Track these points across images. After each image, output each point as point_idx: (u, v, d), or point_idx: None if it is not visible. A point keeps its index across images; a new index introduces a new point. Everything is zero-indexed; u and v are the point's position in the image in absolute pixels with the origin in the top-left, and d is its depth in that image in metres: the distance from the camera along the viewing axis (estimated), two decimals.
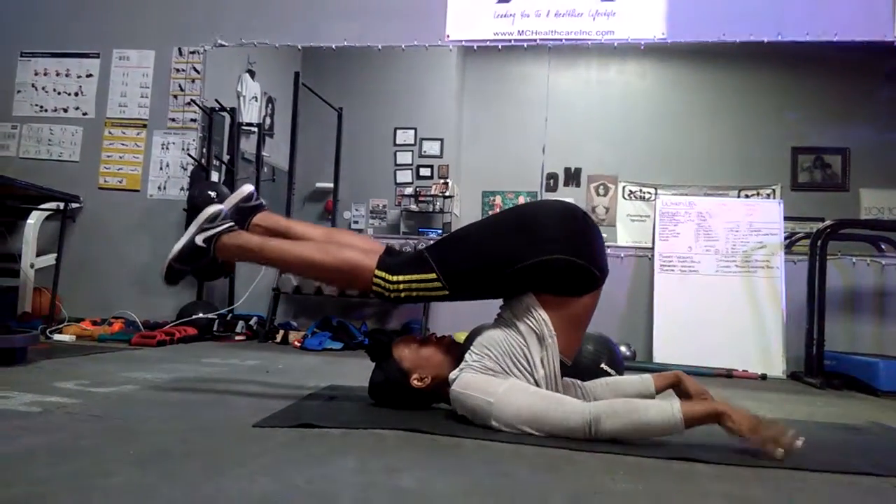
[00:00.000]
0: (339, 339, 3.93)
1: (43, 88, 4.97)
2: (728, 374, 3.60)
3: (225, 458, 1.34)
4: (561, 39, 4.41)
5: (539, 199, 5.45)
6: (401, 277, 1.84)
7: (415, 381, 1.84)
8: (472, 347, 1.79)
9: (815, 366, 3.49)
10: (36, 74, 4.99)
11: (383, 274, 1.85)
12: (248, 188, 2.18)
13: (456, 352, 1.86)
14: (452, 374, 1.77)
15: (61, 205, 4.37)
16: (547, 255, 1.74)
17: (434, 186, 5.96)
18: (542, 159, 5.02)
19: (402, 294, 1.84)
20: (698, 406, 1.58)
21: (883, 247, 4.14)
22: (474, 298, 1.90)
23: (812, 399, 2.92)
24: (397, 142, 6.19)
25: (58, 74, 4.96)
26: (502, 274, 1.77)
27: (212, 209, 2.03)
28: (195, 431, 1.58)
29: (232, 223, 2.05)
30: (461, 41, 4.53)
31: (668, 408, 1.54)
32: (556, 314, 1.75)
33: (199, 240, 2.00)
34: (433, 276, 1.82)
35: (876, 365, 3.17)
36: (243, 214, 2.13)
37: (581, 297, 1.78)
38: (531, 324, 1.75)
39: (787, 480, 1.39)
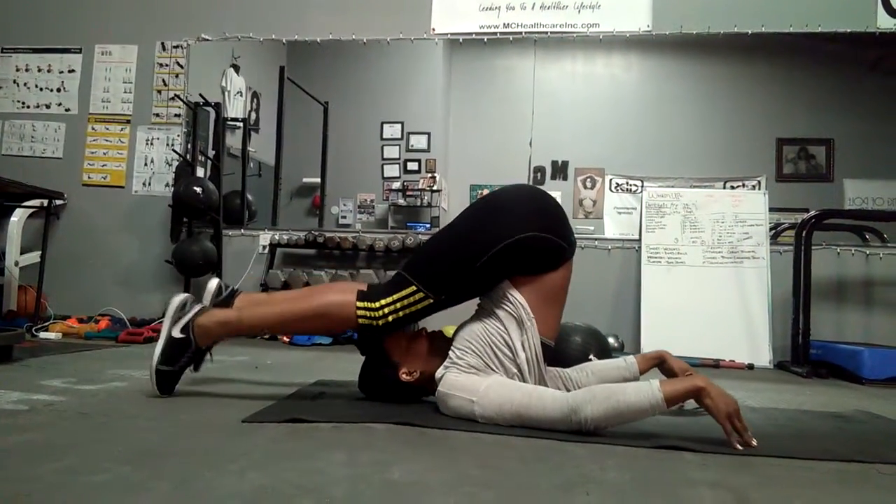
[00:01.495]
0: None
1: (25, 84, 4.92)
2: (715, 364, 3.63)
3: (214, 454, 1.34)
4: (546, 32, 4.42)
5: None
6: (382, 301, 1.82)
7: (404, 375, 1.84)
8: (454, 344, 1.80)
9: (801, 355, 3.53)
10: (17, 70, 4.93)
11: (365, 303, 1.83)
12: (213, 283, 2.10)
13: (445, 346, 1.85)
14: (438, 373, 1.78)
15: (45, 202, 4.32)
16: (517, 235, 1.76)
17: (422, 180, 5.96)
18: (529, 153, 5.03)
19: (390, 318, 1.82)
20: (678, 383, 1.59)
21: (867, 236, 4.18)
22: (461, 300, 1.89)
23: (798, 388, 2.95)
24: (384, 136, 6.17)
25: (39, 70, 4.91)
26: (479, 264, 1.77)
27: (177, 299, 1.96)
28: (184, 428, 1.58)
29: (203, 304, 2.00)
30: (447, 34, 4.52)
31: (648, 388, 1.54)
32: (532, 294, 1.77)
33: (175, 332, 1.93)
34: (413, 288, 1.81)
35: (861, 354, 3.20)
36: (222, 307, 2.06)
37: (553, 271, 1.80)
38: (509, 308, 1.77)
39: (774, 468, 1.40)
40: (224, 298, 2.07)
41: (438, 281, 1.83)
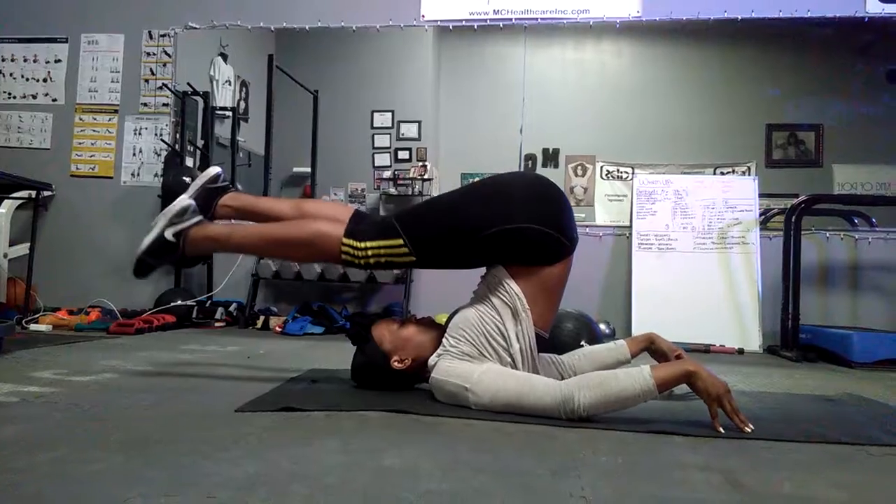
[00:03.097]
0: (320, 323, 3.92)
1: (10, 75, 4.86)
2: (706, 349, 3.65)
3: (208, 443, 1.33)
4: (536, 19, 4.40)
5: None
6: (368, 244, 1.85)
7: (395, 363, 1.85)
8: (448, 331, 1.80)
9: (790, 339, 3.55)
10: (3, 60, 4.87)
11: (351, 241, 1.86)
12: (214, 170, 2.16)
13: (436, 333, 1.86)
14: (431, 360, 1.79)
15: (33, 193, 4.29)
16: (515, 224, 1.76)
17: (412, 169, 5.94)
18: (519, 140, 5.01)
19: (371, 260, 1.86)
20: (670, 368, 1.61)
21: (856, 221, 4.21)
22: (442, 266, 1.93)
23: (788, 372, 2.97)
24: (374, 125, 6.15)
25: (25, 60, 4.85)
26: (469, 241, 1.79)
27: (180, 204, 2.03)
28: (176, 418, 1.57)
29: (201, 217, 2.05)
30: (436, 21, 4.50)
31: (639, 374, 1.55)
32: (528, 285, 1.77)
33: (168, 234, 2.00)
34: (400, 241, 1.83)
35: (850, 337, 3.23)
36: (211, 196, 2.10)
37: (552, 266, 1.80)
38: (504, 298, 1.76)
39: (763, 451, 1.42)
40: (215, 188, 2.12)
41: (427, 244, 1.84)
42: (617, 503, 1.07)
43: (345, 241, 1.86)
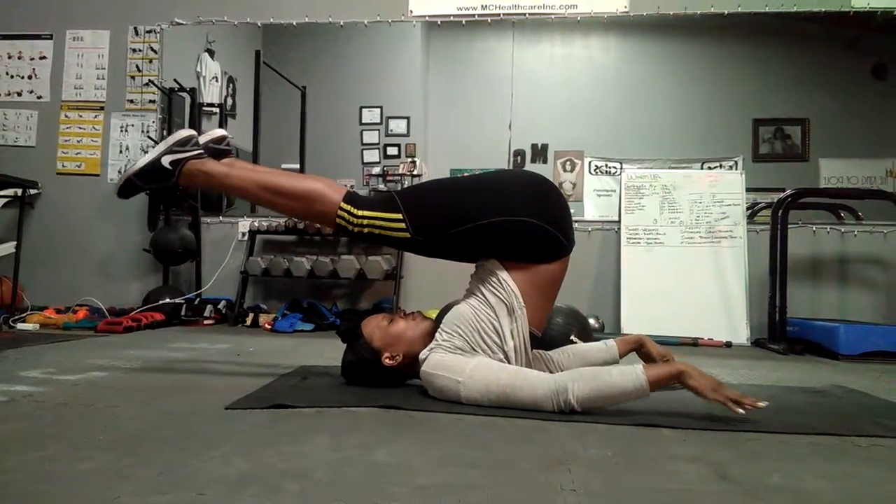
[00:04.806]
0: (309, 320, 3.91)
1: None
2: (694, 343, 3.67)
3: (198, 441, 1.33)
4: (524, 14, 4.39)
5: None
6: (366, 213, 1.84)
7: (386, 360, 1.84)
8: (441, 326, 1.80)
9: (778, 332, 3.58)
10: None
11: (349, 207, 1.85)
12: (221, 131, 2.15)
13: (427, 328, 1.86)
14: (422, 354, 1.78)
15: (19, 191, 4.25)
16: (517, 216, 1.76)
17: (402, 165, 5.91)
18: (508, 136, 5.02)
19: (365, 230, 1.85)
20: (661, 368, 1.61)
21: (842, 214, 4.24)
22: (434, 252, 1.91)
23: (776, 364, 2.99)
24: (363, 121, 6.14)
25: (10, 57, 4.80)
26: (468, 226, 1.78)
27: (185, 132, 2.00)
28: (166, 416, 1.57)
29: (201, 150, 2.02)
30: (424, 16, 4.48)
31: (632, 372, 1.56)
32: (524, 283, 1.77)
33: (165, 161, 1.96)
34: (399, 216, 1.82)
35: (836, 330, 3.25)
36: (212, 155, 2.08)
37: (548, 264, 1.80)
38: (501, 295, 1.76)
39: (751, 443, 1.43)
40: (218, 149, 2.09)
41: (424, 225, 1.83)
42: (607, 496, 1.08)
43: (343, 205, 1.86)
